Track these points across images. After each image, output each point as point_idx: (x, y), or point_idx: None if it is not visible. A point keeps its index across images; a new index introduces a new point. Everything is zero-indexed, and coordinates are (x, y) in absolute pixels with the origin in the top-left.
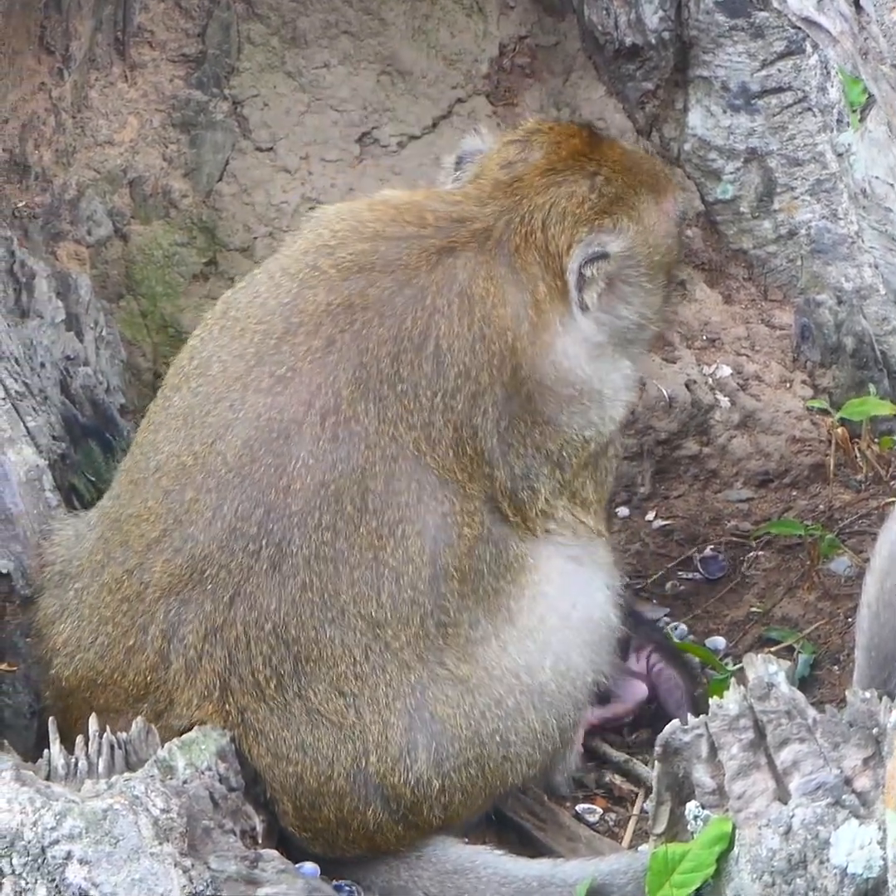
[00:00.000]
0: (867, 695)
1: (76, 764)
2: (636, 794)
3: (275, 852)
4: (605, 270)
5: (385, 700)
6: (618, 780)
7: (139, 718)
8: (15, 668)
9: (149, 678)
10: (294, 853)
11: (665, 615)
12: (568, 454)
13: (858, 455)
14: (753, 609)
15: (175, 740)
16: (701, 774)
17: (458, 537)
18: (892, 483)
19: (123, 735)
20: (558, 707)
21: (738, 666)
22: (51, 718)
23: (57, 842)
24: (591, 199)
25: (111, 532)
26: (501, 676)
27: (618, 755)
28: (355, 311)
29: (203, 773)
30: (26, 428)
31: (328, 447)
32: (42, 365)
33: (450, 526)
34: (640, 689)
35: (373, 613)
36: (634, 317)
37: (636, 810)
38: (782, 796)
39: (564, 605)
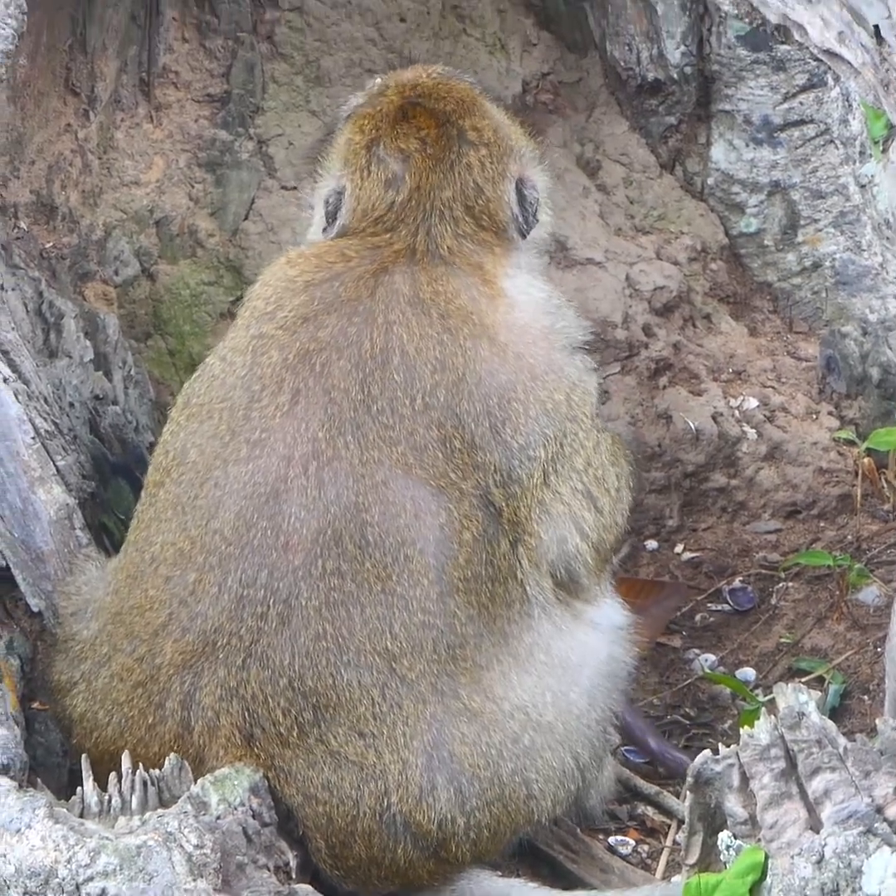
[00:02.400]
0: None
1: (109, 801)
2: (668, 826)
3: (309, 887)
4: (534, 195)
5: (403, 739)
6: (650, 811)
7: (172, 755)
8: (47, 707)
9: (174, 746)
10: (327, 888)
11: (695, 647)
12: (563, 400)
13: (885, 485)
14: (783, 640)
15: (208, 776)
16: (733, 804)
17: (458, 546)
18: None
19: (156, 772)
20: (571, 746)
21: (768, 696)
22: (83, 756)
23: (91, 879)
24: (483, 155)
25: (113, 625)
26: (512, 712)
27: (649, 787)
28: (312, 356)
29: (236, 808)
30: (56, 467)
31: (316, 493)
32: (71, 404)
33: (449, 537)
34: None
35: (388, 646)
36: (547, 215)
37: (669, 842)
38: (814, 825)
39: (560, 643)
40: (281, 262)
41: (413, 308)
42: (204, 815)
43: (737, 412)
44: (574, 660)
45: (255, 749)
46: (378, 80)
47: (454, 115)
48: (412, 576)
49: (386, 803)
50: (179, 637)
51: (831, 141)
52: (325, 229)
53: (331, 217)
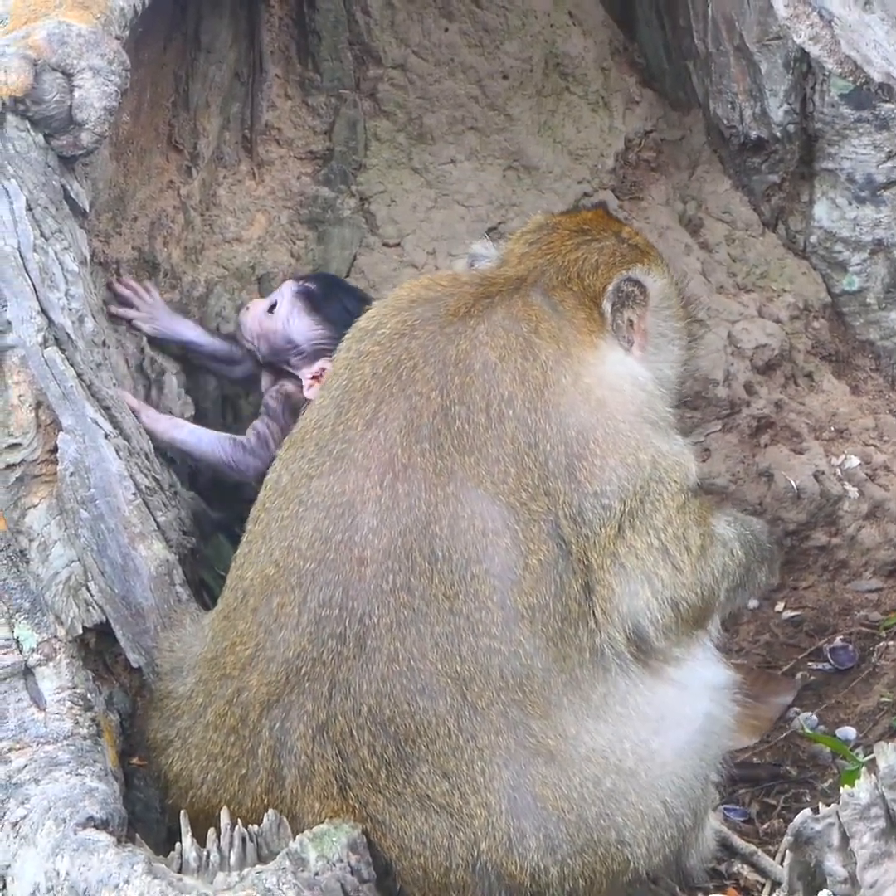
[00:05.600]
0: None
1: (208, 857)
2: (762, 885)
3: None
4: (638, 301)
5: (483, 778)
6: (745, 870)
7: (271, 811)
8: (145, 763)
9: (266, 800)
10: None
11: (795, 705)
12: (647, 461)
13: None
14: (884, 699)
15: (307, 832)
16: (832, 863)
17: (523, 570)
18: None
19: (255, 828)
20: (658, 793)
21: (869, 756)
22: (182, 812)
23: None
24: (621, 250)
25: (209, 671)
26: (588, 756)
27: (745, 846)
28: (400, 367)
29: (334, 864)
30: (156, 523)
31: (390, 503)
32: (172, 460)
33: (514, 560)
34: None
35: (457, 669)
36: (667, 368)
37: None
38: None
39: (637, 698)
40: (402, 285)
41: (503, 322)
42: (302, 871)
43: (838, 470)
44: (651, 713)
45: (350, 800)
46: None
47: (623, 225)
48: (478, 597)
49: (476, 852)
50: (265, 668)
51: None
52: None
53: (470, 264)
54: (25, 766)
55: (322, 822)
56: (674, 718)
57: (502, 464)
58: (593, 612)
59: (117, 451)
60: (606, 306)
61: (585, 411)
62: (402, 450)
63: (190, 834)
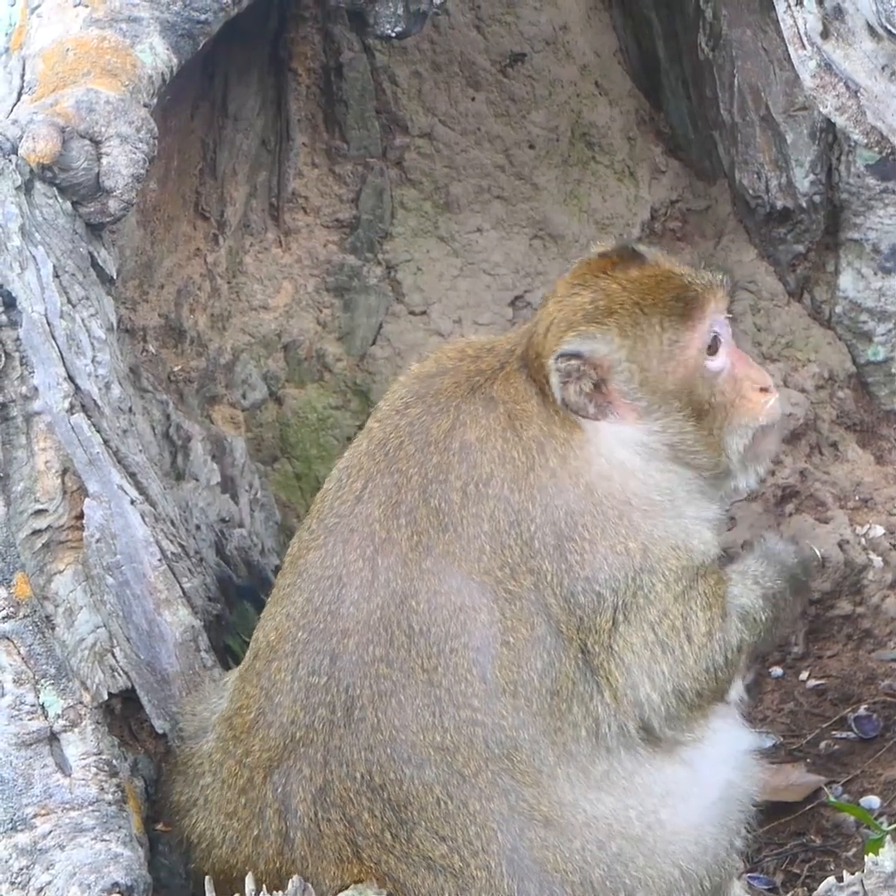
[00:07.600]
0: None
1: None
2: None
3: None
4: (581, 371)
5: (479, 842)
6: None
7: (296, 877)
8: (170, 829)
9: (278, 863)
10: None
11: (820, 775)
12: (637, 550)
13: None
14: None
15: None
16: None
17: (501, 646)
18: None
19: (279, 894)
20: (670, 857)
21: (893, 825)
22: (207, 877)
23: None
24: (585, 308)
25: (225, 730)
26: (588, 823)
27: None
28: (388, 444)
29: None
30: (182, 589)
31: (370, 577)
32: (197, 527)
33: (493, 636)
34: None
35: (439, 739)
36: (672, 435)
37: None
38: None
39: (644, 777)
40: (428, 355)
41: (485, 403)
42: None
43: (863, 540)
44: (658, 790)
45: (367, 861)
46: None
47: (625, 277)
48: (457, 671)
49: None
50: (266, 732)
51: None
52: None
53: None
54: (51, 831)
55: (345, 886)
56: (682, 795)
57: (478, 541)
58: (602, 694)
59: (143, 518)
60: (554, 384)
61: (574, 496)
62: (380, 525)
63: None
